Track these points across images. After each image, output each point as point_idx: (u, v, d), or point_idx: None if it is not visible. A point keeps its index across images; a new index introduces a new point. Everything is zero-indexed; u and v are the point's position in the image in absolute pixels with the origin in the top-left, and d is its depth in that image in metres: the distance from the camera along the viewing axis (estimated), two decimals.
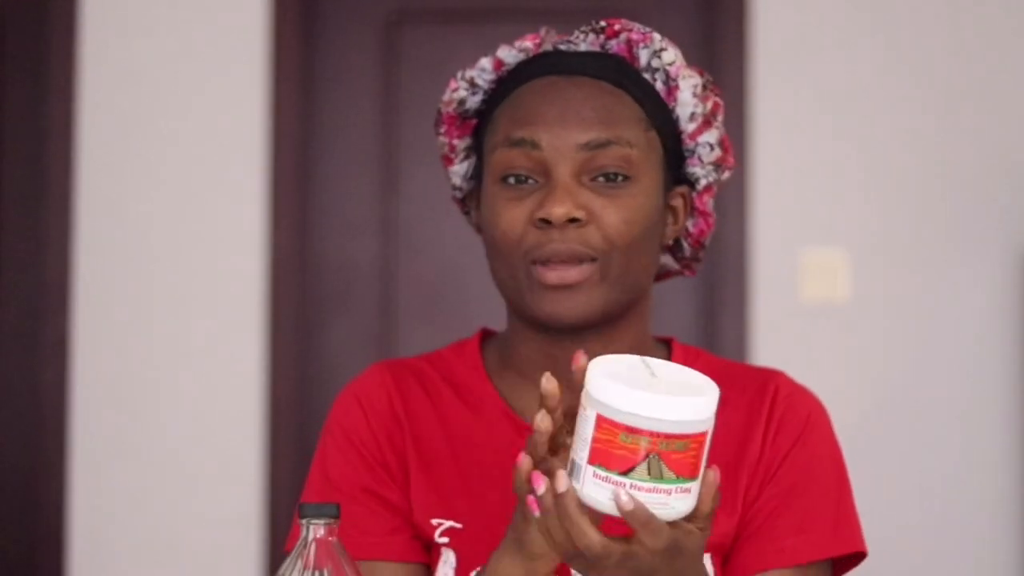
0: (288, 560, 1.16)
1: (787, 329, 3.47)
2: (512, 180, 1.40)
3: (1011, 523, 3.41)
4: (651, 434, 1.10)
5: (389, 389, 1.47)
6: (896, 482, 3.41)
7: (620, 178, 1.39)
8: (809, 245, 3.49)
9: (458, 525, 1.40)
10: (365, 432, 1.45)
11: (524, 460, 1.18)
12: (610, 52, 1.45)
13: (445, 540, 1.40)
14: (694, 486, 1.13)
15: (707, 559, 1.37)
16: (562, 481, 1.14)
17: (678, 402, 1.10)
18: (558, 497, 1.14)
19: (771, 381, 1.46)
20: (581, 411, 1.14)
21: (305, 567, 1.14)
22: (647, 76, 1.44)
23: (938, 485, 3.43)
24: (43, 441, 3.49)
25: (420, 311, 3.57)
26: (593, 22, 1.45)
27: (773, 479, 1.41)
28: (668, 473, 1.11)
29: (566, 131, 1.38)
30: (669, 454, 1.11)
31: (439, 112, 1.50)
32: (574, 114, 1.39)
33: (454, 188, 1.53)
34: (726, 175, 1.50)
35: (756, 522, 1.40)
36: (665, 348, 1.50)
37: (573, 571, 1.37)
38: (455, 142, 1.50)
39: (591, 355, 1.38)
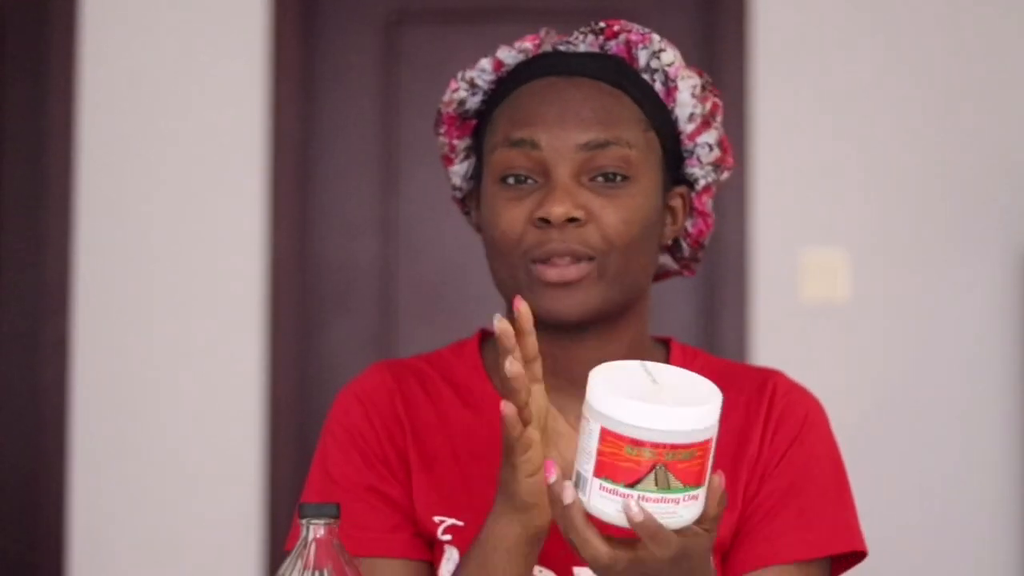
0: (288, 560, 1.16)
1: (787, 329, 3.47)
2: (511, 180, 1.40)
3: (1011, 523, 3.41)
4: (657, 445, 1.08)
5: (389, 388, 1.47)
6: (896, 482, 3.41)
7: (619, 178, 1.39)
8: (809, 245, 3.49)
9: (460, 523, 1.41)
10: (366, 430, 1.45)
11: (507, 405, 1.19)
12: (609, 53, 1.45)
13: (447, 537, 1.41)
14: (701, 492, 1.12)
15: None
16: (568, 493, 1.13)
17: (682, 412, 1.09)
18: (564, 509, 1.13)
19: (769, 380, 1.47)
20: (584, 422, 1.12)
21: (305, 567, 1.14)
22: (646, 77, 1.44)
23: (938, 485, 3.43)
24: (43, 441, 3.49)
25: (420, 311, 3.57)
26: (592, 23, 1.46)
27: (771, 477, 1.41)
28: (675, 482, 1.10)
29: (565, 131, 1.39)
30: (675, 464, 1.09)
31: (439, 112, 1.50)
32: (573, 115, 1.39)
33: (454, 188, 1.54)
34: (725, 175, 1.50)
35: (754, 520, 1.40)
36: (663, 348, 1.51)
37: (573, 571, 1.38)
38: (455, 142, 1.51)
39: (590, 354, 1.39)
